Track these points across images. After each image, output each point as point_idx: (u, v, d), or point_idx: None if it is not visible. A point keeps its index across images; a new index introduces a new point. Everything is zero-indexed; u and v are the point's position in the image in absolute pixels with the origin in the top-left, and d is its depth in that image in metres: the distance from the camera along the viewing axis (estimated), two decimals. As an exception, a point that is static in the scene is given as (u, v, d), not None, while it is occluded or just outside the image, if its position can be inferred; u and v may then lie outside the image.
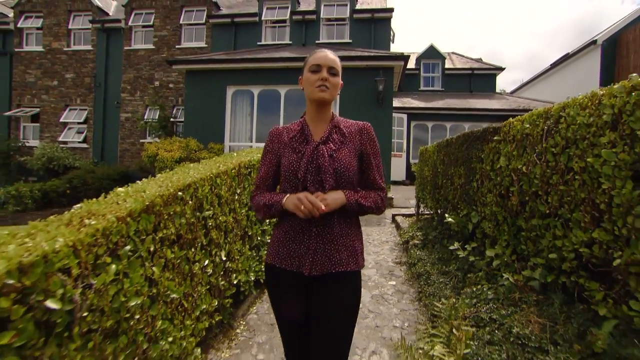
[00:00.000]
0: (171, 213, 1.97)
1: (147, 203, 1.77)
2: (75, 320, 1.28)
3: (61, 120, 13.18)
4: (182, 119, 11.78)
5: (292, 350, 1.32)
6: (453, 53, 17.39)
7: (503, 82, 77.29)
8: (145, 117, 12.56)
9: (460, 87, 15.42)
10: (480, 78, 15.51)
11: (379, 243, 5.06)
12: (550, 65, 17.66)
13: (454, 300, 2.34)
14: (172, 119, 12.09)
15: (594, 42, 13.74)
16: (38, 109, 13.23)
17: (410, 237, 4.47)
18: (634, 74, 1.58)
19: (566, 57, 15.90)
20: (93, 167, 11.71)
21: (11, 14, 13.40)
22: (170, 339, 1.88)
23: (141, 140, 12.83)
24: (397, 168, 11.83)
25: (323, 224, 1.21)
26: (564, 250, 1.89)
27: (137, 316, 1.63)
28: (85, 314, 1.32)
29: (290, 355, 1.34)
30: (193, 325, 2.17)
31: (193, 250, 2.19)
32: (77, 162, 12.18)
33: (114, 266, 1.48)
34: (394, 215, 6.47)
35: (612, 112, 1.64)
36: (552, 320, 1.81)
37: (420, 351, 2.11)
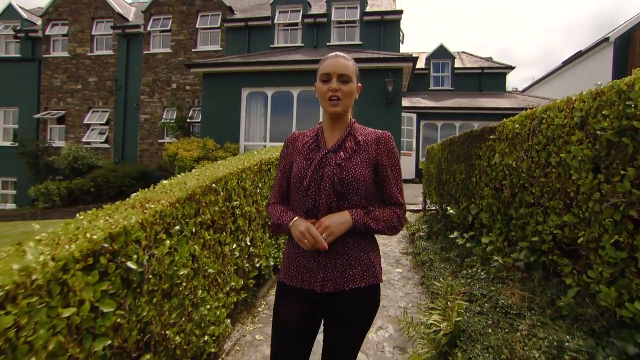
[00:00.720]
0: (207, 202, 2.35)
1: (190, 192, 2.15)
2: (144, 280, 1.66)
3: (85, 121, 13.86)
4: (199, 120, 12.28)
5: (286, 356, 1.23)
6: (463, 52, 17.49)
7: (516, 80, 76.07)
8: (163, 118, 13.12)
9: (470, 86, 15.53)
10: (490, 77, 15.59)
11: (387, 236, 5.38)
12: (563, 62, 17.58)
13: (450, 279, 2.65)
14: (188, 120, 12.59)
15: (606, 39, 13.69)
16: (64, 112, 13.94)
17: (416, 230, 4.78)
18: (637, 69, 1.68)
19: (579, 55, 15.82)
20: (115, 167, 12.31)
21: (39, 22, 14.15)
22: (207, 307, 2.25)
23: (159, 141, 13.39)
24: (407, 167, 12.08)
25: (335, 238, 1.15)
26: (544, 233, 2.19)
27: (184, 284, 2.01)
28: (150, 276, 1.70)
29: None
30: (224, 298, 2.54)
31: (224, 234, 2.56)
32: (100, 161, 12.82)
33: (168, 241, 1.86)
34: (402, 211, 6.77)
35: (580, 114, 1.93)
36: (531, 292, 2.11)
37: (420, 322, 2.45)
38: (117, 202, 1.93)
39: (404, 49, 17.42)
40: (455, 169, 4.07)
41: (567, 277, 1.90)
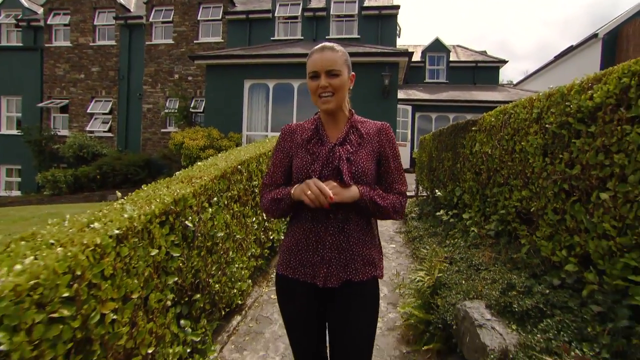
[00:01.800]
0: (235, 180, 2.84)
1: (222, 171, 2.64)
2: (195, 236, 2.16)
3: (88, 111, 14.16)
4: (201, 110, 12.66)
5: (306, 354, 1.28)
6: (458, 46, 17.89)
7: (513, 72, 76.57)
8: (166, 108, 13.47)
9: (465, 79, 15.99)
10: (484, 70, 16.05)
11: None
12: (555, 57, 18.03)
13: (435, 247, 3.19)
14: (191, 110, 12.96)
15: (595, 35, 14.17)
16: (67, 101, 14.22)
17: (408, 212, 5.31)
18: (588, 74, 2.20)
19: (570, 49, 16.29)
20: (119, 155, 12.68)
21: (41, 11, 14.30)
22: (236, 266, 2.76)
23: (162, 130, 13.75)
24: (402, 156, 12.48)
25: (338, 232, 1.16)
26: (509, 207, 2.71)
27: (220, 244, 2.51)
28: (199, 234, 2.20)
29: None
30: (247, 262, 3.05)
31: (247, 208, 3.06)
32: (104, 150, 13.17)
33: (209, 209, 2.36)
34: (396, 197, 7.32)
35: (537, 111, 2.44)
36: (497, 253, 2.65)
37: (408, 280, 2.98)
38: (167, 178, 2.42)
39: (401, 42, 17.79)
40: (443, 157, 4.58)
41: (522, 238, 2.42)
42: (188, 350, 2.00)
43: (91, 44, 14.13)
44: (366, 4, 12.44)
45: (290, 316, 1.26)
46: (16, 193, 14.24)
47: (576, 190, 1.96)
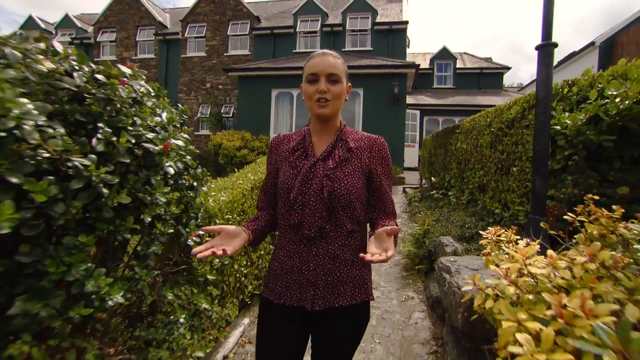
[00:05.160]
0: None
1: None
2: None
3: (130, 116, 15.95)
4: (230, 115, 14.30)
5: None
6: (465, 53, 19.14)
7: (524, 75, 76.57)
8: (199, 113, 15.17)
9: (470, 85, 17.24)
10: (489, 76, 17.27)
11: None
12: (558, 62, 19.10)
13: (427, 212, 4.62)
14: (223, 115, 14.63)
15: (592, 43, 15.26)
16: (112, 108, 16.06)
17: (412, 197, 6.73)
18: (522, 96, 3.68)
19: (572, 56, 17.37)
20: (160, 155, 14.38)
21: (90, 29, 16.25)
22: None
23: (195, 133, 15.45)
24: (410, 156, 13.95)
25: (323, 254, 1.07)
26: (472, 182, 4.12)
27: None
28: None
29: None
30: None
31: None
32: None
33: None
34: (404, 188, 8.74)
35: (489, 120, 3.85)
36: (464, 212, 4.06)
37: (408, 234, 4.42)
38: (242, 169, 3.93)
39: (411, 50, 19.15)
40: (438, 153, 5.99)
41: (479, 200, 3.84)
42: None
43: (133, 57, 15.97)
44: (378, 19, 13.89)
45: (274, 338, 1.13)
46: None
47: (503, 167, 3.38)
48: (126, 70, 1.51)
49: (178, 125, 1.76)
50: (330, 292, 1.07)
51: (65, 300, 1.06)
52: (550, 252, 0.91)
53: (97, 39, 16.03)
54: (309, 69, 1.11)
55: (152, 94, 1.65)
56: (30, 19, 17.26)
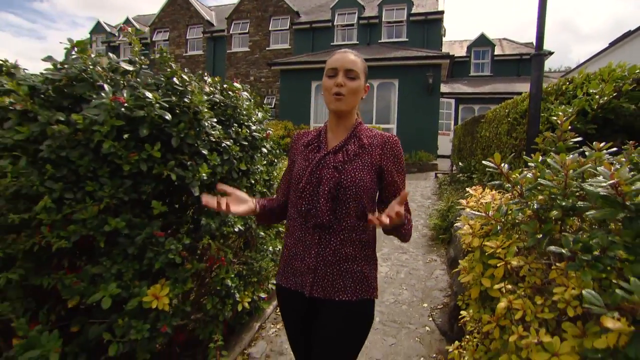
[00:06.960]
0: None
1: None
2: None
3: (182, 109, 17.53)
4: (272, 106, 15.35)
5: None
6: (504, 39, 18.75)
7: (576, 56, 71.10)
8: (243, 106, 16.36)
9: (509, 72, 16.98)
10: (529, 62, 16.85)
11: (425, 186, 8.02)
12: (610, 44, 18.10)
13: (453, 192, 5.28)
14: (265, 105, 15.70)
15: (644, 25, 14.46)
16: (166, 101, 17.74)
17: (442, 181, 7.34)
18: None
19: (628, 34, 16.44)
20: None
21: (147, 29, 17.90)
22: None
23: (240, 124, 16.70)
24: (444, 144, 14.26)
25: (325, 244, 1.12)
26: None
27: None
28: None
29: None
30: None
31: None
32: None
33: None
34: (436, 173, 9.35)
35: (507, 111, 4.42)
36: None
37: (435, 211, 5.12)
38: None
39: (448, 38, 19.07)
40: (466, 140, 6.55)
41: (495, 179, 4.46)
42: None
43: (184, 54, 17.44)
44: (414, 10, 14.15)
45: (287, 322, 1.27)
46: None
47: (516, 152, 3.97)
48: (237, 85, 2.41)
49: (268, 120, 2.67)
50: (330, 284, 1.11)
51: (221, 221, 1.98)
52: (492, 192, 1.67)
53: (153, 39, 17.65)
54: (330, 64, 1.16)
55: (251, 99, 2.55)
56: (98, 24, 19.36)
